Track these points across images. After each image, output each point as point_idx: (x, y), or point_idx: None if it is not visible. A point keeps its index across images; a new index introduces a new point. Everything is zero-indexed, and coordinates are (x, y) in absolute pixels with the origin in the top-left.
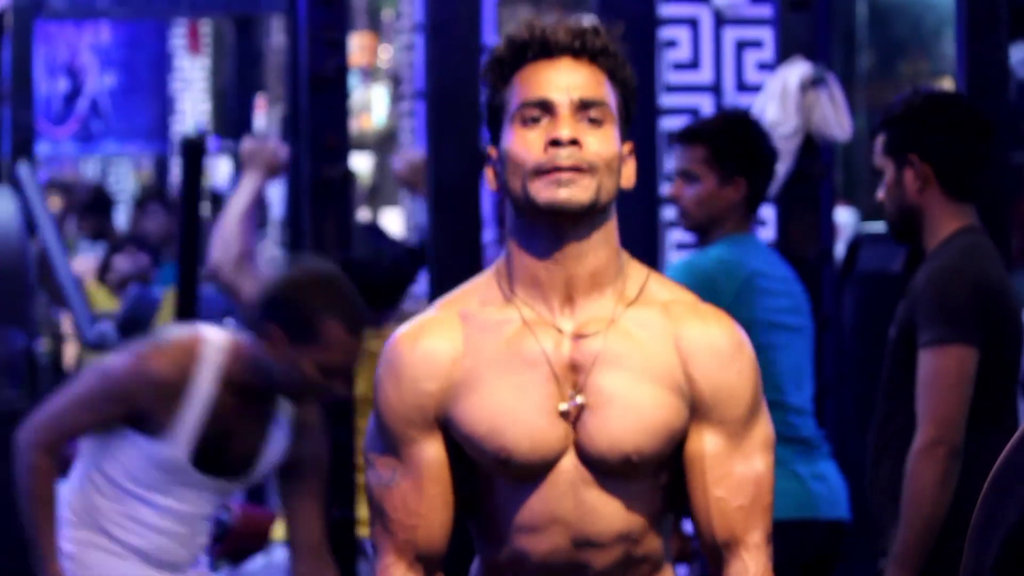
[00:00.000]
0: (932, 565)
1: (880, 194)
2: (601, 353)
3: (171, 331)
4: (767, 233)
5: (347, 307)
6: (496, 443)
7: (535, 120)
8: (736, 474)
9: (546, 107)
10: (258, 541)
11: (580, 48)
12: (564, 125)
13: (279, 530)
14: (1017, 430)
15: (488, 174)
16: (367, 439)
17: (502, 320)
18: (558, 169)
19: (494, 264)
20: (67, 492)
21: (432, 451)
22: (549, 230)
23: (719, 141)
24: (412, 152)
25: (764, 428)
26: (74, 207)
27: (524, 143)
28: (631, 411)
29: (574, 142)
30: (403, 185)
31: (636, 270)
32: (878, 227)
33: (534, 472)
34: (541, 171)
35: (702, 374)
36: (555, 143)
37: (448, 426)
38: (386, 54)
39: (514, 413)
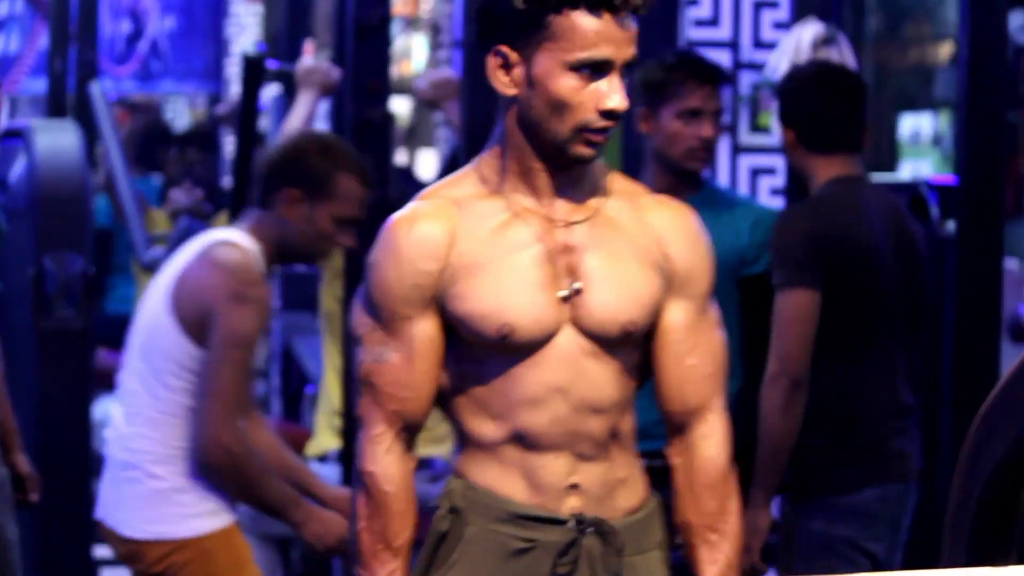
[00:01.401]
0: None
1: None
2: (590, 236)
3: (222, 251)
4: (778, 181)
5: (356, 161)
6: (498, 320)
7: (586, 72)
8: (704, 344)
9: (601, 66)
10: None
11: (625, 3)
12: (617, 92)
13: (312, 447)
14: (882, 364)
15: (503, 76)
16: (355, 318)
17: (494, 208)
18: (601, 131)
19: (474, 163)
20: (152, 430)
21: (425, 328)
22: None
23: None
24: (436, 72)
25: (716, 305)
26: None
27: (578, 96)
28: (624, 286)
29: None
30: (426, 103)
31: (601, 166)
32: (879, 178)
33: (534, 346)
34: (586, 129)
35: (676, 253)
36: (610, 115)
37: (444, 306)
38: (427, 4)
39: (513, 292)
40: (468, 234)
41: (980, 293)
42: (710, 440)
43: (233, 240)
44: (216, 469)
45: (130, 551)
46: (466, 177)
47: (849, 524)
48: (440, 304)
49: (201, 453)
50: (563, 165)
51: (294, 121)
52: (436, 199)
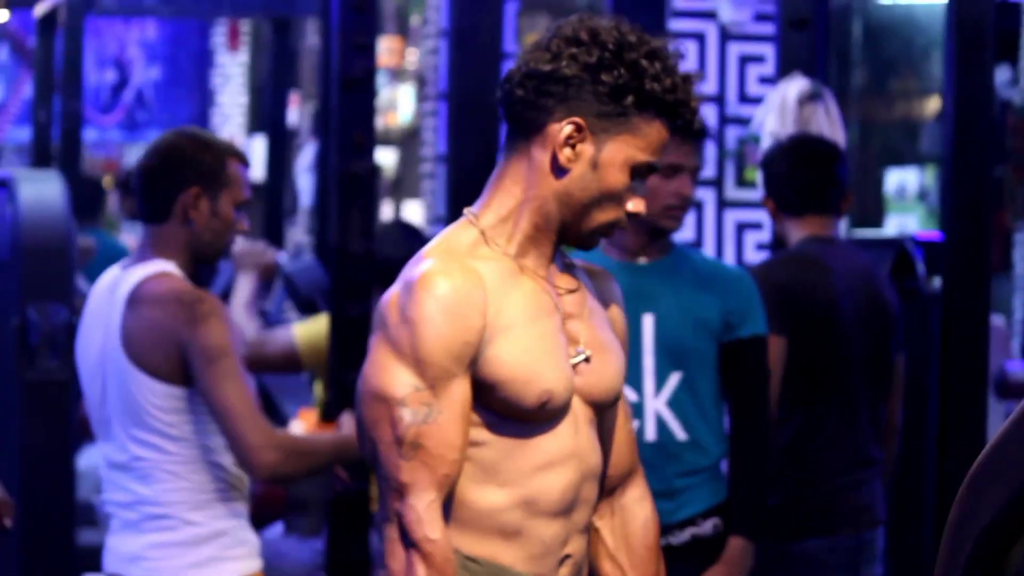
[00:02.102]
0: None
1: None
2: (578, 306)
3: (151, 287)
4: (763, 236)
5: (230, 144)
6: (539, 386)
7: (637, 177)
8: (627, 408)
9: (649, 171)
10: (279, 509)
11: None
12: (642, 203)
13: None
14: (842, 417)
15: (567, 147)
16: (386, 377)
17: (509, 270)
18: (617, 230)
19: (467, 220)
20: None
21: (465, 388)
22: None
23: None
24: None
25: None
26: (118, 187)
27: (623, 191)
28: (612, 354)
29: None
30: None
31: None
32: (865, 233)
33: (561, 413)
34: (615, 224)
35: (618, 320)
36: (632, 217)
37: (478, 367)
38: (413, 56)
39: (547, 357)
40: (496, 294)
41: (966, 350)
42: (646, 501)
43: (150, 272)
44: (274, 480)
45: None
46: (466, 234)
47: (795, 572)
48: (475, 364)
49: (254, 474)
50: (568, 242)
51: (237, 303)
52: (452, 258)
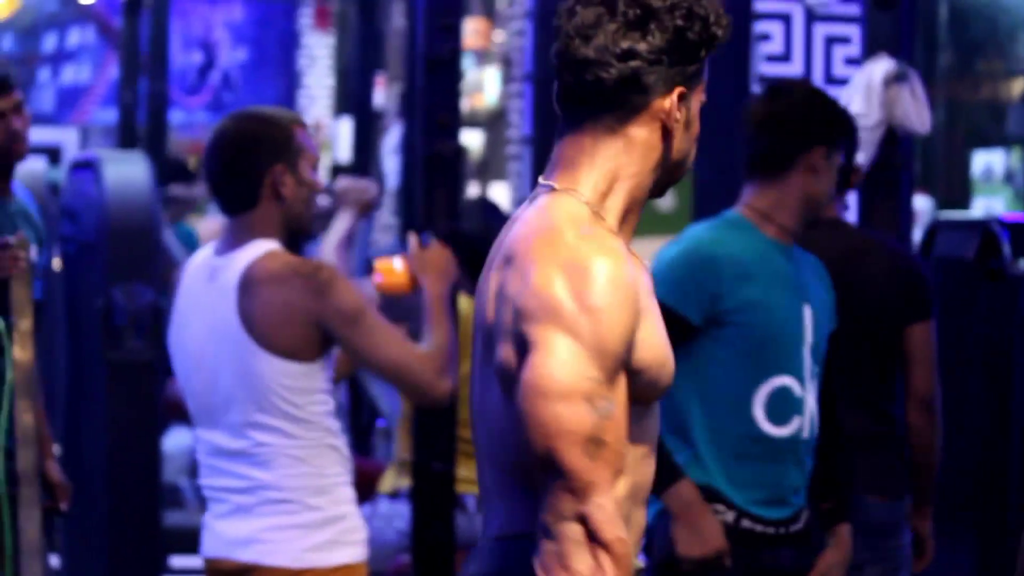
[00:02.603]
0: None
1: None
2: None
3: (264, 267)
4: (849, 217)
5: (287, 114)
6: (670, 367)
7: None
8: None
9: None
10: (364, 492)
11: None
12: None
13: (385, 482)
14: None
15: (677, 112)
16: (562, 370)
17: (625, 249)
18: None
19: (572, 196)
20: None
21: (624, 377)
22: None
23: None
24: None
25: None
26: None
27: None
28: None
29: None
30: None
31: None
32: (954, 214)
33: None
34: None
35: None
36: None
37: (631, 353)
38: (499, 38)
39: (664, 338)
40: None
41: None
42: None
43: (258, 253)
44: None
45: None
46: (581, 210)
47: None
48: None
49: (438, 405)
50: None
51: (332, 239)
52: (610, 234)
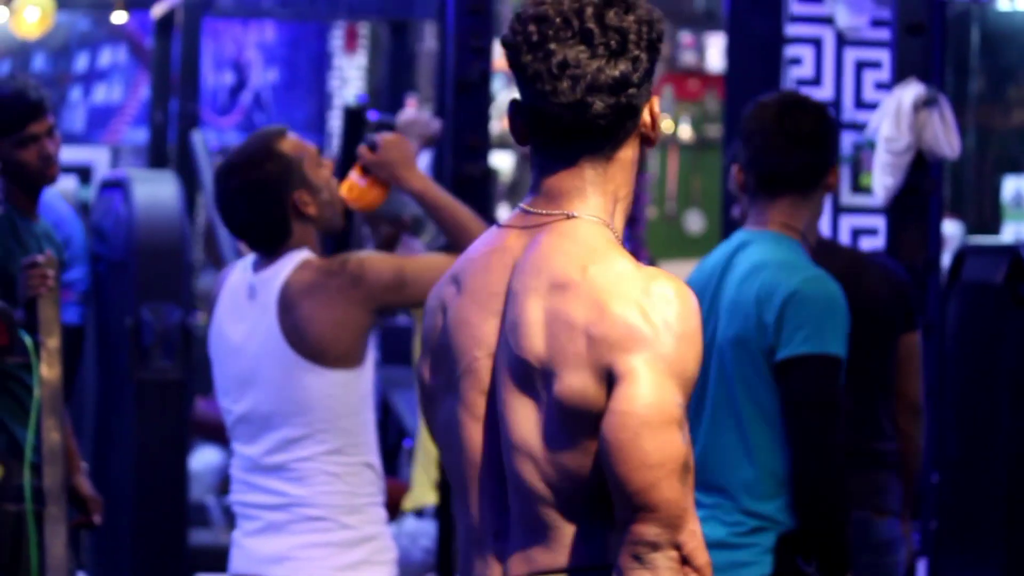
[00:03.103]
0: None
1: None
2: None
3: (301, 274)
4: (878, 242)
5: (268, 131)
6: None
7: None
8: None
9: None
10: (390, 511)
11: None
12: None
13: (410, 501)
14: None
15: (654, 117)
16: (664, 397)
17: None
18: None
19: (595, 223)
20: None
21: None
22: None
23: None
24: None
25: None
26: None
27: None
28: None
29: None
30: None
31: None
32: (983, 239)
33: None
34: None
35: None
36: None
37: None
38: None
39: None
40: None
41: None
42: None
43: (290, 269)
44: None
45: None
46: (606, 234)
47: None
48: None
49: None
50: None
51: None
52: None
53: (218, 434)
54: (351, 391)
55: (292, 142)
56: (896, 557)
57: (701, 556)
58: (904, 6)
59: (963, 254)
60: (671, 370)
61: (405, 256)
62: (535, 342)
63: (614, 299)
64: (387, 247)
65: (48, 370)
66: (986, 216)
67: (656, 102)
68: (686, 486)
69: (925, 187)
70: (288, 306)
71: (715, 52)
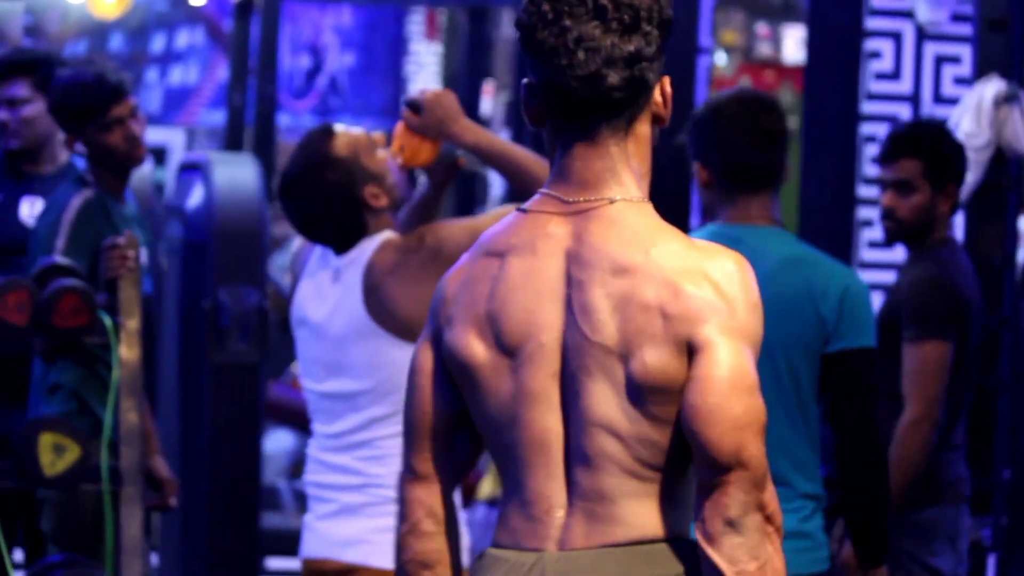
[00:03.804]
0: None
1: (892, 201)
2: None
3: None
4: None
5: (327, 127)
6: None
7: None
8: None
9: None
10: (463, 499)
11: None
12: None
13: (484, 489)
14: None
15: (665, 96)
16: (745, 371)
17: None
18: None
19: (647, 203)
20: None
21: None
22: None
23: (934, 153)
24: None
25: None
26: None
27: None
28: None
29: None
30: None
31: None
32: None
33: None
34: None
35: None
36: None
37: None
38: None
39: None
40: None
41: None
42: None
43: (374, 247)
44: None
45: None
46: (655, 214)
47: (910, 539)
48: None
49: None
50: None
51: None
52: None
53: (289, 417)
54: None
55: (343, 140)
56: None
57: (779, 517)
58: (986, 1)
59: None
60: (746, 338)
61: (475, 217)
62: (608, 327)
63: (683, 277)
64: (438, 191)
65: (127, 351)
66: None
67: (667, 82)
68: (764, 448)
69: (1004, 184)
70: (374, 287)
71: (791, 43)
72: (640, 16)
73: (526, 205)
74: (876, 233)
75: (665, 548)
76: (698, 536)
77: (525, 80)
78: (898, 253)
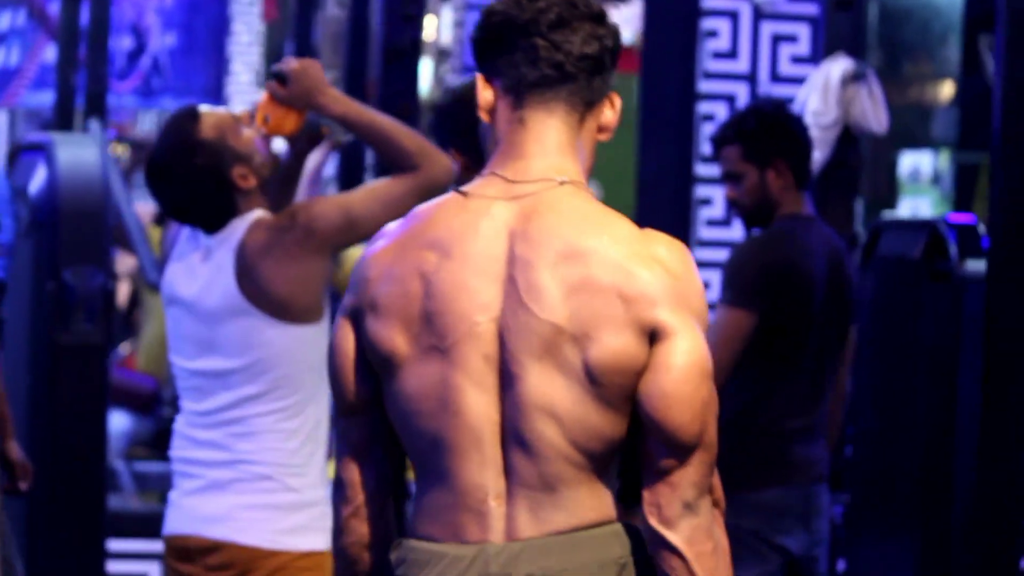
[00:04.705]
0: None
1: (731, 192)
2: None
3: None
4: None
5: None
6: None
7: None
8: None
9: None
10: None
11: None
12: None
13: None
14: (799, 384)
15: (614, 108)
16: (705, 357)
17: None
18: None
19: (579, 187)
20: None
21: None
22: None
23: (747, 135)
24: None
25: None
26: (140, 161)
27: None
28: None
29: None
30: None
31: None
32: (893, 214)
33: None
34: None
35: None
36: None
37: None
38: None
39: None
40: None
41: (1012, 334)
42: None
43: (246, 227)
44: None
45: (244, 559)
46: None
47: (754, 518)
48: None
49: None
50: None
51: (304, 176)
52: None
53: (123, 398)
54: (315, 346)
55: (210, 122)
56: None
57: (723, 499)
58: None
59: (879, 229)
60: (701, 320)
61: (348, 193)
62: (559, 309)
63: (637, 261)
64: (299, 160)
65: None
66: (882, 191)
67: (617, 98)
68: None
69: (851, 161)
70: (247, 267)
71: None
72: (604, 13)
73: (467, 187)
74: (714, 211)
75: (606, 531)
76: (651, 520)
77: (477, 72)
78: (736, 231)
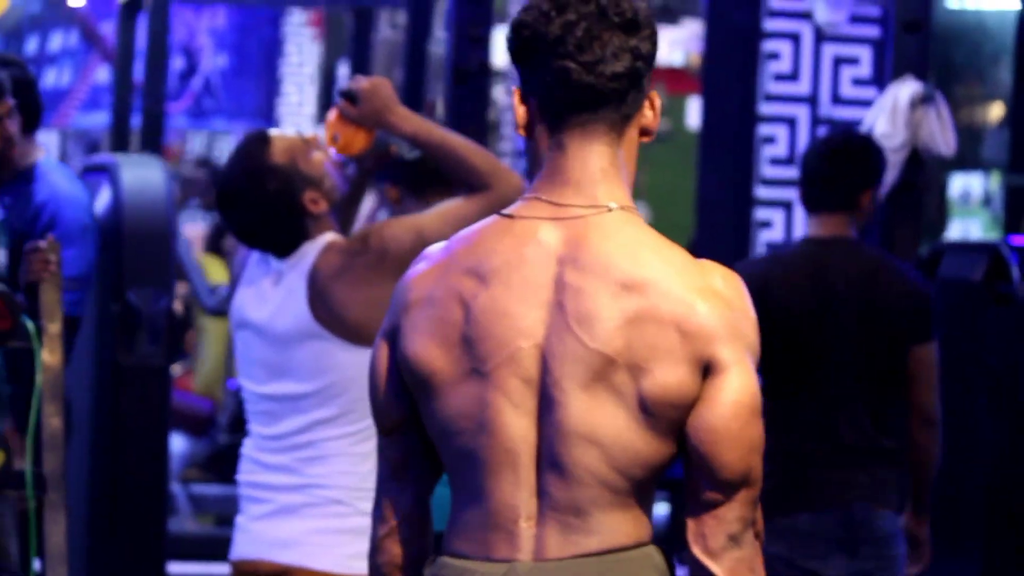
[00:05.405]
0: None
1: None
2: None
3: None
4: (872, 238)
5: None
6: None
7: None
8: None
9: None
10: None
11: None
12: None
13: None
14: (819, 407)
15: (654, 108)
16: (756, 392)
17: None
18: None
19: (632, 212)
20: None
21: None
22: None
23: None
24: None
25: None
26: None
27: None
28: None
29: None
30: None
31: None
32: (953, 237)
33: None
34: None
35: None
36: None
37: None
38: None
39: None
40: None
41: None
42: None
43: (318, 250)
44: None
45: None
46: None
47: (781, 543)
48: None
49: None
50: None
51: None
52: None
53: (180, 421)
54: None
55: (280, 147)
56: (897, 551)
57: (763, 532)
58: (902, 3)
59: (940, 251)
60: (754, 355)
61: (418, 215)
62: (612, 338)
63: (697, 294)
64: (365, 177)
65: (49, 356)
66: (932, 214)
67: (656, 96)
68: None
69: (919, 183)
70: (320, 291)
71: (664, 45)
72: (639, 18)
73: (511, 210)
74: (774, 234)
75: (639, 554)
76: (696, 550)
77: (514, 87)
78: None
